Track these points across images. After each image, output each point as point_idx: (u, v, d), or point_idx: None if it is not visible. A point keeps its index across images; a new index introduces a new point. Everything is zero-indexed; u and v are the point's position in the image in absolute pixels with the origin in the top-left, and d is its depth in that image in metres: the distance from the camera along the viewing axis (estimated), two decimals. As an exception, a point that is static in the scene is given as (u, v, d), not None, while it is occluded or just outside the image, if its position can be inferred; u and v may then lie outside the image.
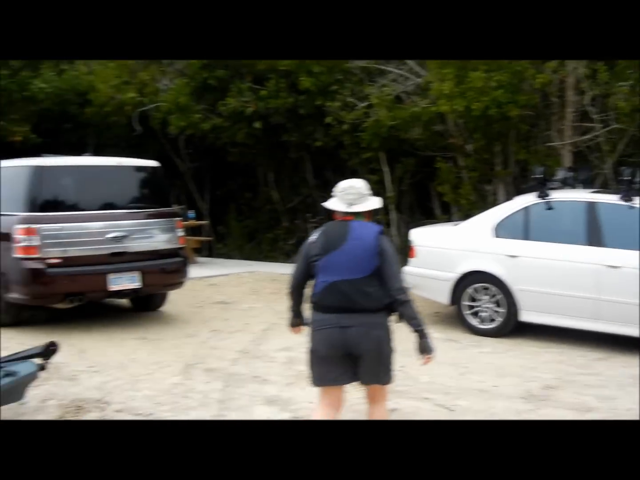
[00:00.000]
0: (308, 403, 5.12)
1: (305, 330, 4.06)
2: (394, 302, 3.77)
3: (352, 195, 3.87)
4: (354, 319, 3.74)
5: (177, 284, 8.30)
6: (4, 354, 5.60)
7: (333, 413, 3.94)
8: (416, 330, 3.78)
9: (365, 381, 3.87)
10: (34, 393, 5.22)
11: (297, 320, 4.19)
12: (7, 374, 4.76)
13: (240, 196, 15.44)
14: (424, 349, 3.78)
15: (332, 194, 3.99)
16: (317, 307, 3.86)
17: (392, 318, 3.87)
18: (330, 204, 3.96)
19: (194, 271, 9.33)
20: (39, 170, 7.43)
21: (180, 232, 8.27)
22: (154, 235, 7.92)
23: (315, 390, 4.00)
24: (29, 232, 7.12)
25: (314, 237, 3.92)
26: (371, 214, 3.98)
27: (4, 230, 7.41)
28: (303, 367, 6.13)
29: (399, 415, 4.93)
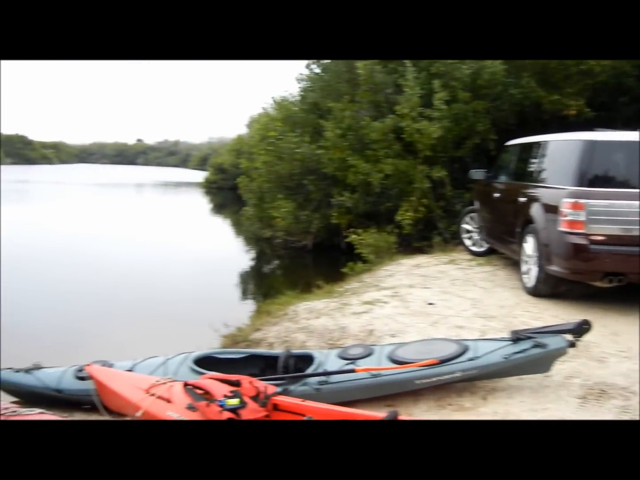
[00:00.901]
0: None
1: None
2: None
3: None
4: None
5: None
6: (537, 324, 5.77)
7: None
8: None
9: None
10: (559, 368, 5.25)
11: None
12: (537, 345, 4.91)
13: None
14: None
15: None
16: None
17: None
18: None
19: None
20: (590, 144, 7.35)
21: None
22: None
23: None
24: (576, 206, 7.12)
25: None
26: None
27: (551, 203, 7.59)
28: None
29: None
